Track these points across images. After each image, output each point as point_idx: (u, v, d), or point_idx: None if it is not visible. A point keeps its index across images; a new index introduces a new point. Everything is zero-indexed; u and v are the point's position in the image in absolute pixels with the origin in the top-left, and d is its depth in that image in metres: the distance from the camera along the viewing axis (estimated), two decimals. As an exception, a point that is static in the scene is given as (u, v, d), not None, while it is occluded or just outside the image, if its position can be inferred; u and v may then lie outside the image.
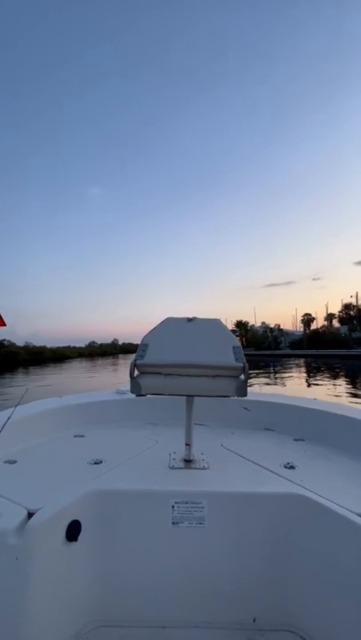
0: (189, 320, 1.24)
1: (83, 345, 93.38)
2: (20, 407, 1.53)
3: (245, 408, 1.77)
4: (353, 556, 0.82)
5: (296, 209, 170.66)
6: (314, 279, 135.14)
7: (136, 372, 1.08)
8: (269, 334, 56.64)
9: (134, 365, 1.07)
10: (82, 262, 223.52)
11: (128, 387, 1.11)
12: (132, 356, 1.11)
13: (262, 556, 0.96)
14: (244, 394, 1.06)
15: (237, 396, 1.06)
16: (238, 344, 1.15)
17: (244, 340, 67.54)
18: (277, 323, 67.19)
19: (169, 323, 1.23)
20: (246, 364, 1.05)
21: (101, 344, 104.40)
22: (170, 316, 1.26)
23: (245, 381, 1.06)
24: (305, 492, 0.97)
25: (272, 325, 66.73)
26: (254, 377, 15.47)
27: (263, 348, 47.80)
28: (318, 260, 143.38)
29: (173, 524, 0.97)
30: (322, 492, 0.96)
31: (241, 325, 70.17)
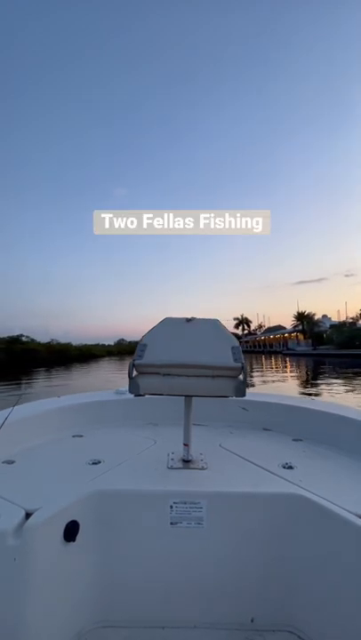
0: (188, 320, 1.28)
1: (112, 343, 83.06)
2: (18, 407, 1.60)
3: (244, 408, 1.77)
4: (351, 557, 0.87)
5: (326, 204, 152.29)
6: (347, 275, 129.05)
7: (135, 372, 1.16)
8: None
9: (133, 365, 1.14)
10: (112, 258, 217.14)
11: (127, 387, 1.18)
12: None
13: (261, 557, 1.01)
14: (243, 394, 1.10)
15: (236, 396, 1.11)
16: (237, 344, 1.19)
17: (306, 336, 52.33)
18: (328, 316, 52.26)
19: (168, 323, 1.28)
20: (245, 364, 1.11)
21: (130, 342, 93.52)
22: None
23: (244, 381, 1.11)
24: (304, 493, 1.01)
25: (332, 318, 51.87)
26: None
27: (355, 347, 33.96)
28: (350, 256, 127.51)
29: (172, 524, 1.01)
30: (320, 493, 1.00)
31: (304, 318, 54.86)
